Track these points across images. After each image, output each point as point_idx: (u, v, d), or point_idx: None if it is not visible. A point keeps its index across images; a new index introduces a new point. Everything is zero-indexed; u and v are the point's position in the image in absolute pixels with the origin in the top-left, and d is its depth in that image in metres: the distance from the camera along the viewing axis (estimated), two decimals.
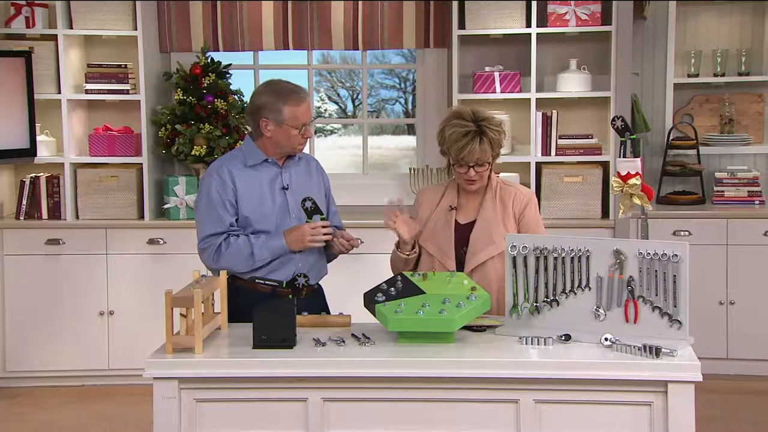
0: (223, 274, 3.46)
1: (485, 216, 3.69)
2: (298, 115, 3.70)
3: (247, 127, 5.96)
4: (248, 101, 3.85)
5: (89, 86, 5.91)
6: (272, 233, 3.72)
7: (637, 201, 3.43)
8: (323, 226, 3.70)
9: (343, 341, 3.22)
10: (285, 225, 3.74)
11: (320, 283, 3.93)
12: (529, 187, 5.82)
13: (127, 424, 5.20)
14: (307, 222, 3.70)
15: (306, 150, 3.98)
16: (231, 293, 3.55)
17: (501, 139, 3.65)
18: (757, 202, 5.99)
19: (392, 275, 3.56)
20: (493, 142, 3.61)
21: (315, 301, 3.79)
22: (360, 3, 6.09)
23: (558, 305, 3.27)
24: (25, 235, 5.82)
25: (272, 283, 3.68)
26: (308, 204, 3.68)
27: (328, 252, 3.90)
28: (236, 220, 3.73)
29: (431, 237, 3.71)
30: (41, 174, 5.91)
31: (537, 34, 5.81)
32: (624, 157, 3.45)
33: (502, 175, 5.81)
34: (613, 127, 3.53)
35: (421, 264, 3.72)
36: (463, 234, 3.70)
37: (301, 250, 3.73)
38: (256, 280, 3.69)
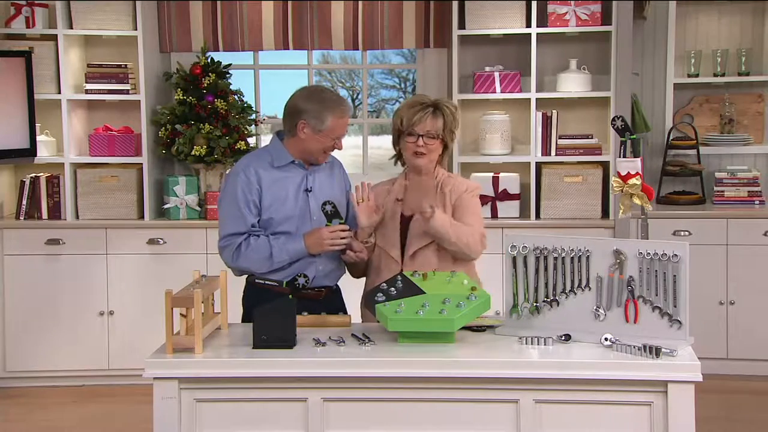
0: (223, 274, 3.46)
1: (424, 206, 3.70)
2: (337, 127, 3.69)
3: (248, 127, 5.97)
4: (288, 101, 3.75)
5: (89, 86, 5.91)
6: (292, 234, 3.70)
7: (637, 201, 3.43)
8: (342, 230, 3.68)
9: (343, 341, 3.22)
10: (304, 227, 3.72)
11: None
12: (529, 187, 5.84)
13: (127, 424, 5.20)
14: (326, 225, 3.69)
15: None
16: (247, 293, 3.53)
17: (453, 122, 3.70)
18: (757, 202, 5.99)
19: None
20: (446, 119, 3.69)
21: (333, 302, 3.77)
22: (360, 3, 6.09)
23: (558, 305, 3.27)
24: (25, 235, 5.81)
25: (272, 283, 3.66)
26: (328, 208, 3.66)
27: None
28: (258, 221, 3.71)
29: (380, 228, 3.75)
30: (41, 174, 5.91)
31: (537, 34, 5.81)
32: (624, 157, 3.45)
33: (500, 175, 5.84)
34: (613, 127, 3.53)
35: (373, 256, 3.76)
36: (407, 225, 3.72)
37: (319, 253, 3.73)
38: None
